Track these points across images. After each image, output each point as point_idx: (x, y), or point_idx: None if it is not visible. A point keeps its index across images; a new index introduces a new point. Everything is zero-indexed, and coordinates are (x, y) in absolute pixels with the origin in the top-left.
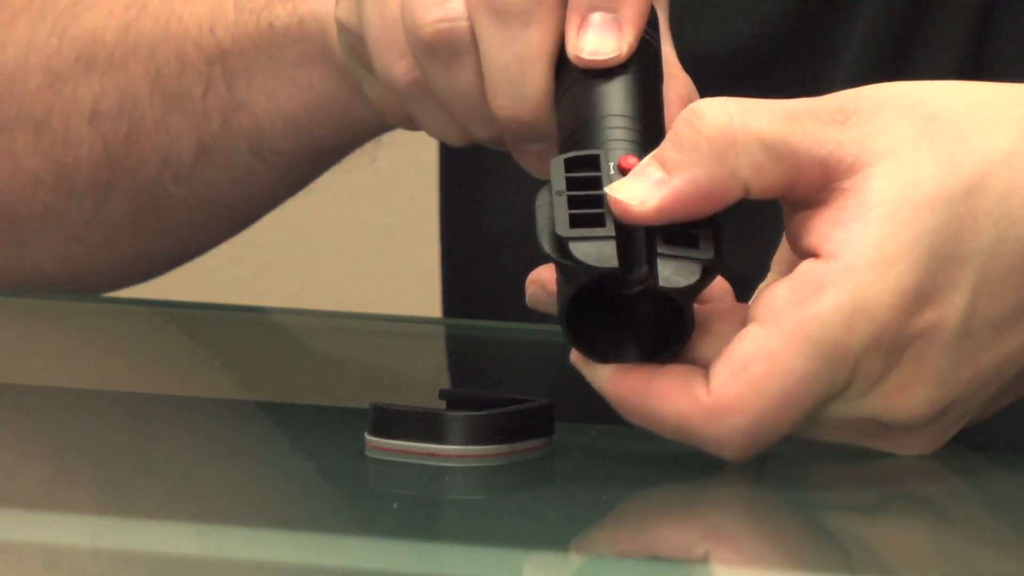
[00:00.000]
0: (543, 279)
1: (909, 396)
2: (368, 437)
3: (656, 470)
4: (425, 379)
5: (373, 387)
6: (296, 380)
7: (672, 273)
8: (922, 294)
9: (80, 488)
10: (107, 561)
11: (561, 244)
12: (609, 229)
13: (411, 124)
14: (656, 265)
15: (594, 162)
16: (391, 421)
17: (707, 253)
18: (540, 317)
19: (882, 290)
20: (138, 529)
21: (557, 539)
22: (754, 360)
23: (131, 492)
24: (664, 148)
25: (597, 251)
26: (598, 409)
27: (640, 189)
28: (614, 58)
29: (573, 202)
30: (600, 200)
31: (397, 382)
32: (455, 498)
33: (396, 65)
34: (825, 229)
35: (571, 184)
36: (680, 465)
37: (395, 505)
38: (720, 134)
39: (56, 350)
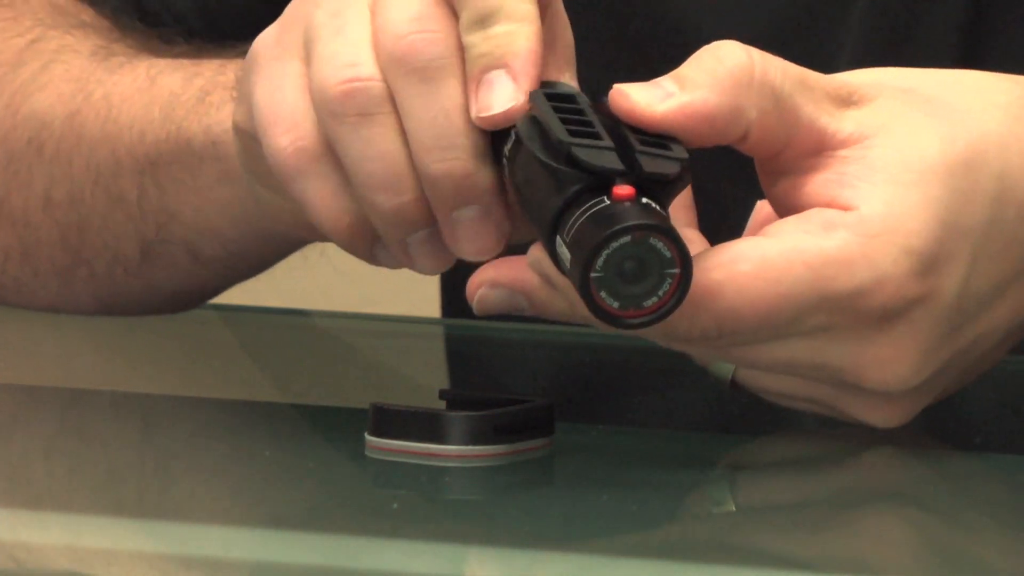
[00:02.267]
0: (490, 278)
1: (897, 362)
2: (368, 437)
3: (656, 470)
4: (425, 379)
5: (373, 387)
6: (296, 380)
7: (653, 164)
8: (928, 259)
9: (80, 488)
10: (107, 561)
11: (560, 152)
12: (606, 141)
13: (312, 231)
14: (637, 159)
15: (573, 99)
16: (391, 421)
17: (681, 154)
18: (539, 317)
19: (891, 243)
20: (138, 529)
21: (557, 539)
22: (745, 259)
23: (131, 492)
24: (682, 68)
25: (598, 155)
26: (598, 409)
27: (649, 94)
28: (512, 108)
29: (564, 120)
30: (589, 122)
31: (397, 382)
32: (455, 498)
33: (281, 139)
34: (830, 190)
35: (556, 110)
36: (680, 465)
37: (395, 505)
38: (740, 69)
39: (56, 350)
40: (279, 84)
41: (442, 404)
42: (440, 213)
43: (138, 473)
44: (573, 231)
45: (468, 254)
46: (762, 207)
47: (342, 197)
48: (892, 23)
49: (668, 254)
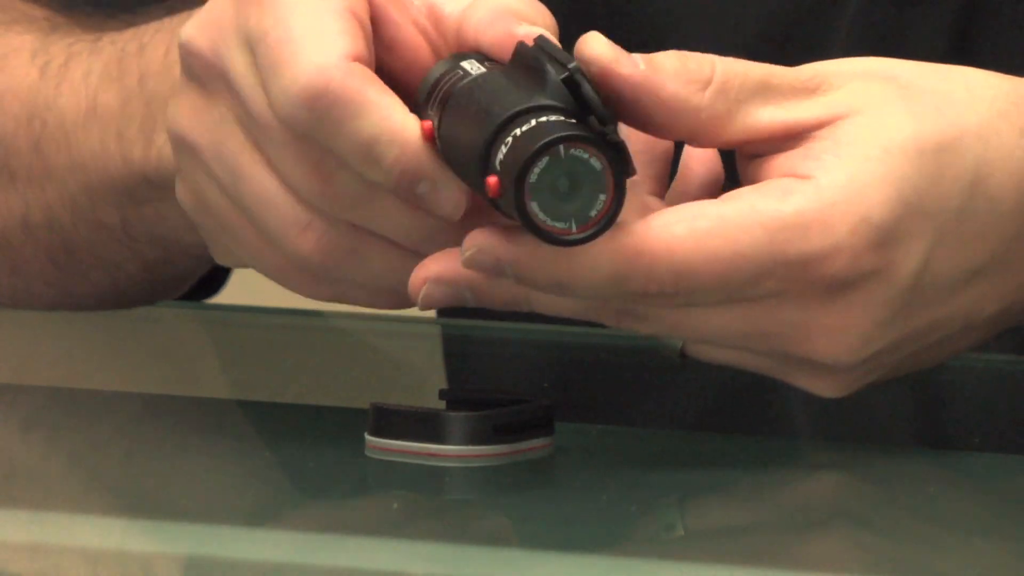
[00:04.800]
0: (434, 274)
1: (845, 332)
2: (368, 437)
3: (656, 470)
4: (425, 379)
5: (373, 387)
6: (296, 380)
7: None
8: (885, 232)
9: (80, 488)
10: (107, 561)
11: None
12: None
13: None
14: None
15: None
16: (391, 421)
17: (617, 137)
18: (540, 317)
19: (848, 212)
20: (138, 529)
21: (557, 539)
22: (705, 216)
23: (131, 492)
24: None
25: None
26: (598, 409)
27: (617, 51)
28: (469, 197)
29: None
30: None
31: (397, 382)
32: (455, 498)
33: (309, 288)
34: (794, 162)
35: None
36: (680, 465)
37: (395, 505)
38: (699, 68)
39: (56, 350)
40: (254, 245)
41: (442, 404)
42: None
43: (138, 473)
44: (504, 153)
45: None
46: (689, 154)
47: (375, 289)
48: (881, 28)
49: (599, 166)
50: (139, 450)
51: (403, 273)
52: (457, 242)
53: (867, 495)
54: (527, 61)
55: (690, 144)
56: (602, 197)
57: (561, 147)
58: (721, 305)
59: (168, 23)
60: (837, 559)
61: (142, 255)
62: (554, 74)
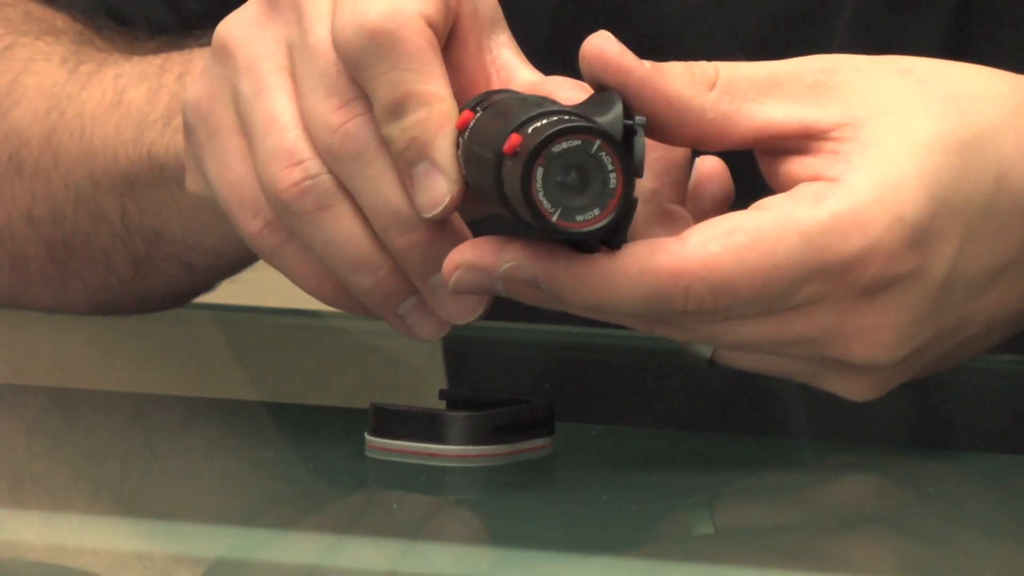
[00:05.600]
0: (468, 260)
1: (880, 336)
2: (368, 437)
3: (656, 470)
4: (425, 379)
5: (373, 387)
6: (296, 380)
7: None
8: (919, 231)
9: (80, 488)
10: (107, 561)
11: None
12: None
13: None
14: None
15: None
16: (391, 421)
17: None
18: (540, 317)
19: (881, 210)
20: (138, 529)
21: (557, 539)
22: (741, 230)
23: (131, 492)
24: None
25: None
26: (598, 409)
27: (625, 50)
28: (450, 202)
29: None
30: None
31: (397, 382)
32: (455, 498)
33: (252, 223)
34: (822, 165)
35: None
36: (680, 465)
37: (395, 505)
38: (703, 71)
39: (56, 351)
40: (228, 163)
41: (442, 404)
42: (418, 283)
43: (138, 473)
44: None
45: (456, 318)
46: (702, 162)
47: (318, 270)
48: (878, 30)
49: (609, 161)
50: (139, 450)
51: (352, 255)
52: (422, 247)
53: (867, 495)
54: (600, 99)
55: (701, 148)
56: (609, 196)
57: (570, 137)
58: (757, 317)
59: None
60: (837, 559)
61: (134, 251)
62: (618, 115)
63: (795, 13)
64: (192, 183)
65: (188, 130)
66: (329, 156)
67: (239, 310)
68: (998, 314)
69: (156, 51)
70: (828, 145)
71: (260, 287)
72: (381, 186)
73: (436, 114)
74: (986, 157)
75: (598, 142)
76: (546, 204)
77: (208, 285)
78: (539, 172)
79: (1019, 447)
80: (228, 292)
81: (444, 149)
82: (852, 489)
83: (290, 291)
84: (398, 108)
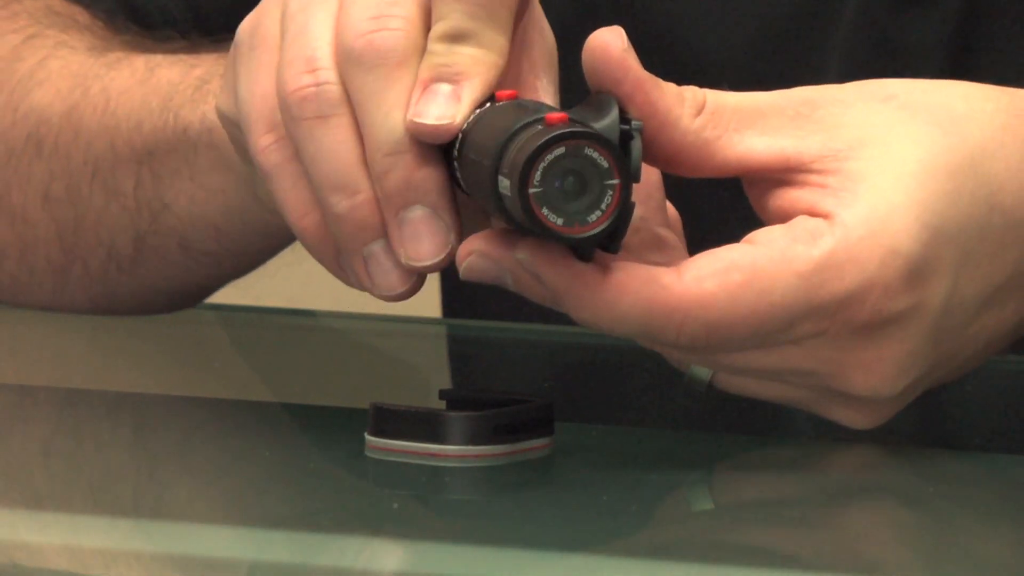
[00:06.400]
0: (481, 249)
1: (881, 368)
2: (368, 437)
3: (656, 470)
4: (425, 379)
5: (373, 387)
6: (296, 380)
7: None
8: (914, 264)
9: (80, 488)
10: (106, 561)
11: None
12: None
13: None
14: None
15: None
16: (391, 421)
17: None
18: (540, 317)
19: (876, 244)
20: (137, 529)
21: (557, 539)
22: (738, 268)
23: (130, 492)
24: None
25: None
26: (598, 409)
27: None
28: (445, 126)
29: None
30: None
31: (397, 382)
32: (455, 498)
33: (263, 138)
34: (813, 199)
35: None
36: (680, 465)
37: (395, 505)
38: (694, 96)
39: (56, 351)
40: (258, 77)
41: (442, 404)
42: (388, 214)
43: (137, 473)
44: (510, 158)
45: (413, 257)
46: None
47: (307, 196)
48: (880, 34)
49: (606, 164)
50: (139, 450)
51: (336, 171)
52: (404, 171)
53: (867, 495)
54: (597, 102)
55: (674, 171)
56: (607, 199)
57: (565, 144)
58: (755, 350)
59: None
60: (837, 558)
61: (138, 227)
62: (615, 119)
63: (799, 11)
64: (222, 100)
65: (234, 47)
66: (348, 62)
67: (239, 310)
68: (996, 331)
69: (182, 51)
70: (812, 177)
71: (260, 287)
72: (386, 101)
73: (489, 60)
74: (977, 180)
75: (593, 146)
76: (543, 210)
77: (203, 283)
78: (535, 179)
79: (1020, 447)
80: (228, 292)
81: (473, 91)
82: (852, 489)
83: (290, 291)
84: (460, 36)
